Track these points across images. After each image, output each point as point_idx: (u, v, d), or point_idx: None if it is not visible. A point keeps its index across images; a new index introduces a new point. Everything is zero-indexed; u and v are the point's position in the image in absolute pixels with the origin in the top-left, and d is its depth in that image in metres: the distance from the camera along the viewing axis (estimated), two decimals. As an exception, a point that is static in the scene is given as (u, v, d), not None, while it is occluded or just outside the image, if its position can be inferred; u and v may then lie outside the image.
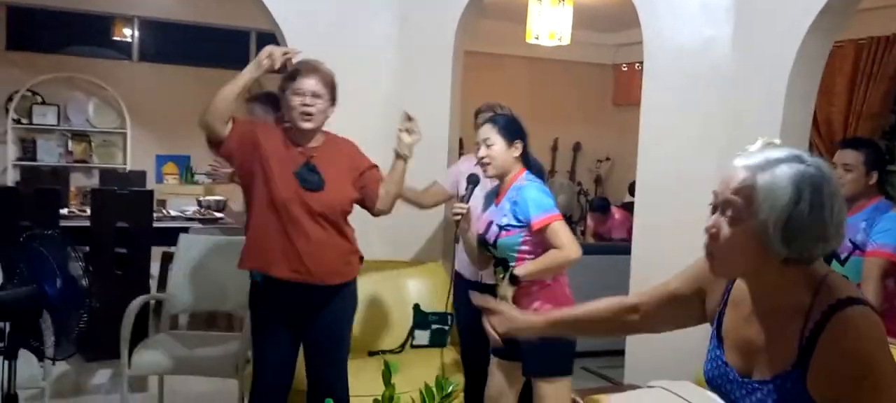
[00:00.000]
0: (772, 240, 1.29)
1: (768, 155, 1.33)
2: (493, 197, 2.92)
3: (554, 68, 7.55)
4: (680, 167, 3.55)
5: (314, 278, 2.87)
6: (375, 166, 3.04)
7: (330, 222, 2.89)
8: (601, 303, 1.80)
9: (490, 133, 2.82)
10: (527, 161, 2.88)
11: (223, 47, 7.85)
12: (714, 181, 3.38)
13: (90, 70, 7.30)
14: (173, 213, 5.71)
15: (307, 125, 2.84)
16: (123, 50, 7.59)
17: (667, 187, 3.62)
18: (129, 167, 7.24)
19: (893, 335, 2.88)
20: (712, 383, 1.52)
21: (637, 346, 3.77)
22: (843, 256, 3.09)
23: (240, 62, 8.26)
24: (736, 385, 1.44)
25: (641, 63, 6.60)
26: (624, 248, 4.38)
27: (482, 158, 2.83)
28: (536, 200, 2.72)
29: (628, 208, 6.11)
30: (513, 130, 2.83)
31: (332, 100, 2.92)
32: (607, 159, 8.21)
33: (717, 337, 1.50)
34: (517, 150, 2.82)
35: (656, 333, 1.75)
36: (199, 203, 6.01)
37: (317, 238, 2.85)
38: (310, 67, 2.88)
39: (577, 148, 8.14)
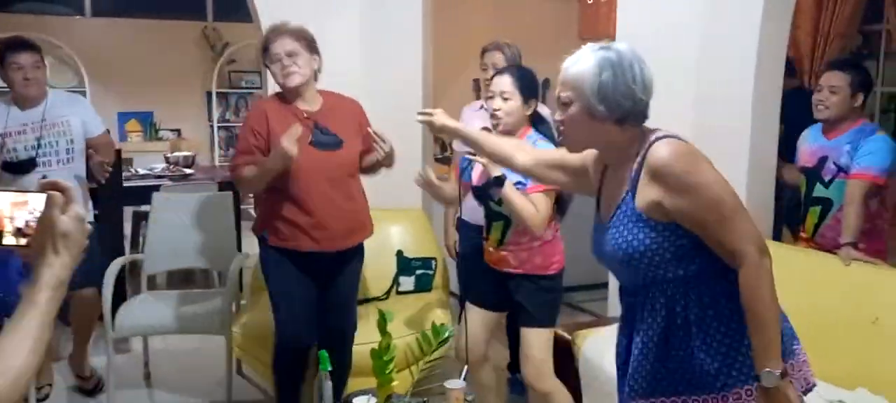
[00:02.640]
0: (593, 106, 1.70)
1: (579, 52, 1.75)
2: None
3: (517, 3, 7.44)
4: (657, 94, 3.55)
5: (332, 244, 2.87)
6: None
7: (344, 182, 2.90)
8: (508, 141, 2.38)
9: (508, 86, 2.68)
10: (534, 117, 2.79)
11: (180, -3, 7.65)
12: (692, 107, 3.38)
13: (42, 28, 7.03)
14: (142, 172, 5.60)
15: (293, 82, 2.83)
16: (75, 5, 7.34)
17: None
18: (90, 126, 7.06)
19: (874, 254, 2.96)
20: (594, 247, 1.88)
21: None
22: (827, 178, 3.13)
23: (198, 12, 8.06)
24: (601, 232, 1.82)
25: (608, -6, 6.55)
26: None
27: (496, 111, 2.70)
28: None
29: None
30: (532, 88, 2.73)
31: (312, 50, 2.89)
32: (576, 94, 8.21)
33: (597, 206, 1.89)
34: (531, 108, 2.73)
35: (543, 181, 2.36)
36: (167, 159, 5.90)
37: (333, 201, 2.86)
38: (277, 31, 2.85)
39: (545, 84, 8.06)
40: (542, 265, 2.76)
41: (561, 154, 2.12)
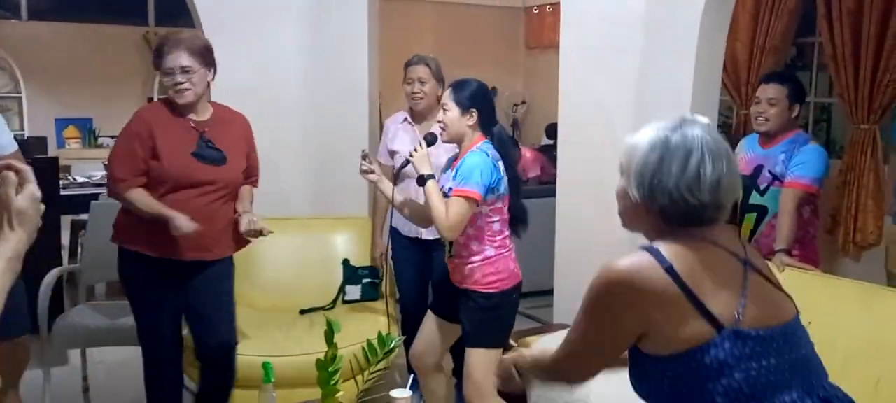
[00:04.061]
0: (629, 185, 1.51)
1: (653, 124, 1.54)
2: (451, 161, 2.88)
3: (464, 12, 7.50)
4: (599, 105, 3.62)
5: (202, 255, 2.85)
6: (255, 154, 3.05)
7: (227, 196, 2.88)
8: None
9: (447, 99, 2.78)
10: (488, 129, 2.80)
11: (120, 2, 7.50)
12: (631, 119, 3.43)
13: (-24, 31, 6.85)
14: (80, 180, 5.47)
15: (185, 100, 2.79)
16: (11, 8, 7.14)
17: (588, 128, 3.69)
18: (27, 133, 6.88)
19: (807, 260, 3.05)
20: None
21: (564, 286, 3.87)
22: (762, 187, 3.23)
23: (139, 17, 7.93)
24: None
25: (553, 5, 6.65)
26: (540, 192, 4.50)
27: (439, 122, 2.80)
28: (467, 170, 2.66)
29: (545, 151, 6.19)
30: (468, 98, 2.75)
31: (207, 64, 2.84)
32: (523, 103, 8.27)
33: None
34: (472, 119, 2.74)
35: None
36: (107, 167, 5.76)
37: (214, 213, 2.84)
38: (173, 42, 2.78)
39: (494, 93, 8.11)
40: (481, 282, 2.74)
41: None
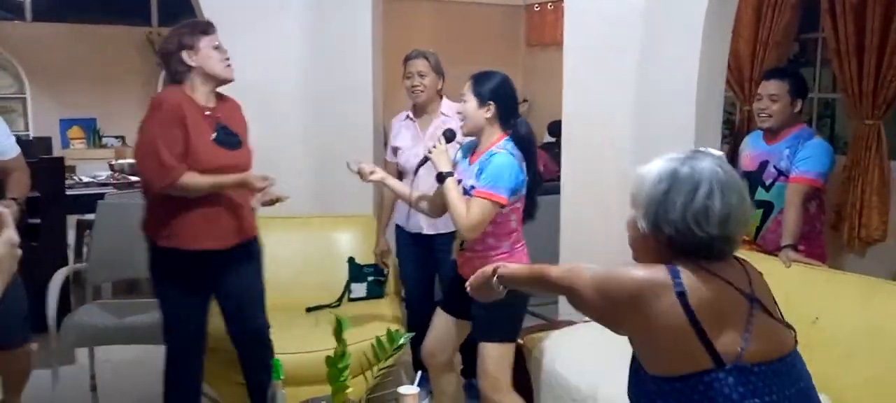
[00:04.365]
0: (638, 217, 1.53)
1: (663, 157, 1.56)
2: (469, 152, 2.84)
3: (465, 10, 7.50)
4: (603, 105, 3.63)
5: (234, 239, 2.87)
6: None
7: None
8: None
9: (465, 89, 2.75)
10: (509, 124, 2.75)
11: (123, 2, 7.51)
12: (635, 119, 3.40)
13: (-21, 33, 6.87)
14: (85, 180, 5.49)
15: (233, 75, 2.85)
16: (15, 10, 7.15)
17: (592, 128, 3.69)
18: (31, 134, 6.90)
19: (813, 256, 3.06)
20: None
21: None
22: (768, 182, 3.23)
23: (142, 18, 7.94)
24: None
25: (554, 3, 6.64)
26: (543, 189, 4.50)
27: (459, 113, 2.82)
28: (495, 172, 2.62)
29: (548, 149, 6.19)
30: (488, 91, 2.71)
31: None
32: (524, 101, 8.26)
33: None
34: (489, 112, 2.71)
35: None
36: (112, 167, 5.78)
37: (230, 199, 2.84)
38: (209, 24, 2.89)
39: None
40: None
41: None
